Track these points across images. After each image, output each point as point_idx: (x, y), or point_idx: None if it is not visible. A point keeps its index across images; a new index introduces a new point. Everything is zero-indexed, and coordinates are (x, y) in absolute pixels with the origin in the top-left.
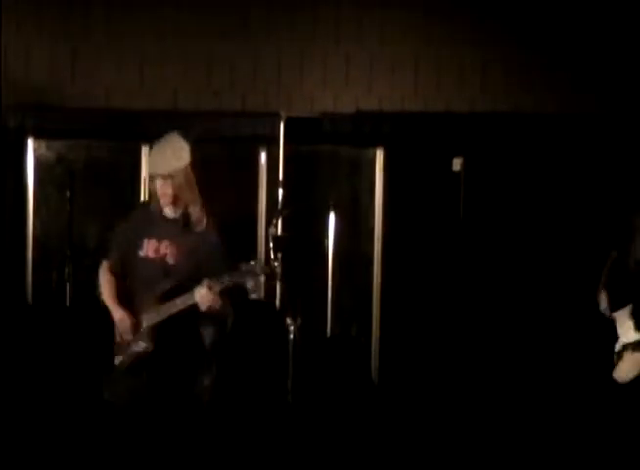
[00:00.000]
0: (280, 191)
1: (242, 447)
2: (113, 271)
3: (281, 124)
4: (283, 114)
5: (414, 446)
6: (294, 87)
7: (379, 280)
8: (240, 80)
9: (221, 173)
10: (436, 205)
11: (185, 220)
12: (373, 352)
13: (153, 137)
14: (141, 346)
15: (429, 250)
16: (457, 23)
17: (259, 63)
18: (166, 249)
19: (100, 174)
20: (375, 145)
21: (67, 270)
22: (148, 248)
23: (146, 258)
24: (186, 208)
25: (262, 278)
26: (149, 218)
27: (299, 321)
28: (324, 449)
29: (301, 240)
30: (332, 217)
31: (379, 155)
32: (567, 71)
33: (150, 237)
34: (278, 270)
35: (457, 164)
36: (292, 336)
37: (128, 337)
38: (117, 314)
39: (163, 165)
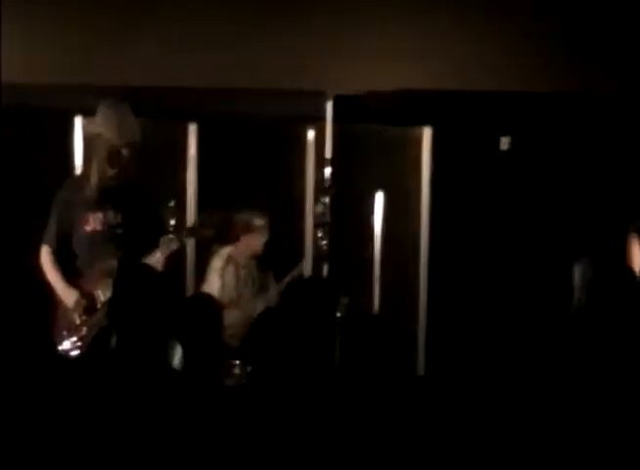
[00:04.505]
0: (327, 170)
1: (281, 431)
2: (54, 254)
3: (328, 103)
4: (330, 92)
5: (458, 439)
6: (340, 66)
7: (426, 261)
8: (286, 59)
9: (267, 153)
10: (484, 184)
11: (126, 186)
12: (419, 337)
13: (199, 116)
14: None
15: (476, 229)
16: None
17: (306, 41)
18: (113, 219)
19: (146, 153)
20: (422, 124)
21: None
22: (94, 221)
23: (94, 232)
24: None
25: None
26: (85, 191)
27: (347, 300)
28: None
29: (348, 219)
30: (378, 197)
31: (426, 134)
32: (617, 52)
33: (95, 210)
34: (325, 249)
35: (504, 143)
36: (339, 314)
37: (86, 316)
38: (72, 296)
39: (135, 133)
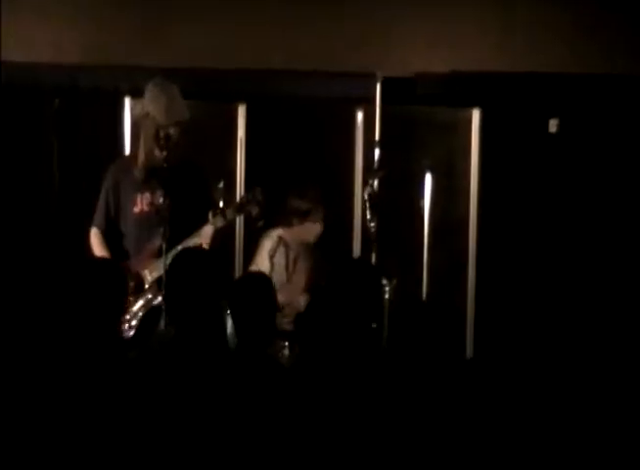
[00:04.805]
0: (376, 152)
1: (329, 412)
2: (101, 236)
3: (377, 85)
4: (379, 74)
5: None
6: (388, 47)
7: (475, 243)
8: (335, 41)
9: (316, 134)
10: (532, 166)
11: (175, 167)
12: (468, 320)
13: (248, 98)
14: (155, 300)
15: (524, 212)
16: None
17: (354, 23)
18: (161, 200)
19: (195, 135)
20: (470, 106)
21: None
22: (142, 202)
23: (142, 213)
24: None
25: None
26: (133, 172)
27: (394, 282)
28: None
29: (397, 201)
30: (427, 179)
31: (475, 116)
32: None
33: (143, 191)
34: (374, 230)
35: (553, 125)
36: (387, 296)
37: (134, 296)
38: None
39: (183, 112)
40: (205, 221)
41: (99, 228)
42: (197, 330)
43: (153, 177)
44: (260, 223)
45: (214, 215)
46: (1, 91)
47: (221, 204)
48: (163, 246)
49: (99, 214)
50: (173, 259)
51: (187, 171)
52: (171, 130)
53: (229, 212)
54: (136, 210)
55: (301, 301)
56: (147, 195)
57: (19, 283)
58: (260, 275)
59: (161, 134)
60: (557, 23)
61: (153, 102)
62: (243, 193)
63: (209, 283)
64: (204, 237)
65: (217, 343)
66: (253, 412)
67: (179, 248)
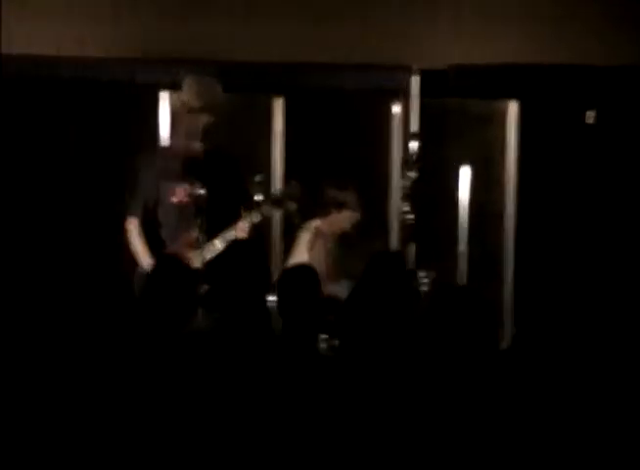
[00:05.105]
0: (412, 144)
1: (369, 403)
2: (139, 226)
3: (413, 77)
4: (415, 67)
5: (543, 413)
6: (424, 39)
7: (512, 235)
8: (371, 33)
9: (352, 127)
10: (569, 158)
11: (213, 159)
12: (505, 311)
13: (285, 90)
14: None
15: (561, 203)
16: None
17: (390, 16)
18: (199, 191)
19: (232, 128)
20: (507, 98)
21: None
22: (180, 193)
23: (179, 204)
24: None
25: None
26: (171, 163)
27: (432, 274)
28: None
29: (433, 194)
30: (464, 171)
31: (511, 108)
32: None
33: (181, 182)
34: (410, 223)
35: (590, 116)
36: (424, 288)
37: None
38: None
39: (214, 96)
40: (240, 213)
41: (136, 217)
42: (242, 322)
43: (191, 168)
44: (297, 220)
45: (251, 210)
46: (46, 85)
47: (259, 197)
48: (200, 237)
49: (136, 204)
50: (221, 252)
51: (224, 163)
52: (205, 118)
53: (265, 208)
54: (174, 200)
55: (338, 291)
56: (185, 186)
57: (46, 277)
58: (307, 267)
59: (197, 123)
60: (595, 15)
61: (187, 89)
62: (280, 187)
63: (255, 274)
64: (239, 231)
65: (263, 335)
66: (297, 404)
67: (216, 242)
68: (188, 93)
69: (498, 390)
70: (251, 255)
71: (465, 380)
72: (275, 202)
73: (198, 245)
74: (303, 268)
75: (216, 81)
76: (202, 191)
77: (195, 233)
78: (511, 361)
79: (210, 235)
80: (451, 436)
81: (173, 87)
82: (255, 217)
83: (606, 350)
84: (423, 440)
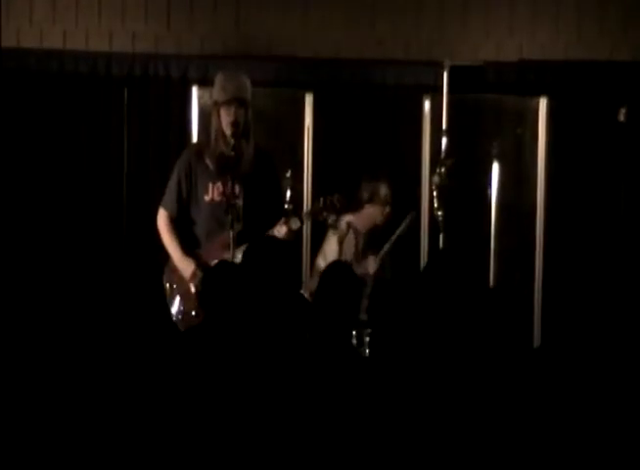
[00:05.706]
0: (444, 140)
1: (401, 399)
2: (172, 220)
3: (445, 73)
4: (447, 62)
5: (573, 410)
6: (456, 36)
7: (542, 231)
8: (403, 29)
9: (384, 122)
10: (601, 155)
11: (242, 156)
12: (536, 309)
13: (315, 86)
14: None
15: (592, 200)
16: None
17: (422, 11)
18: (232, 189)
19: (264, 124)
20: (538, 94)
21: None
22: (214, 191)
23: (213, 202)
24: (239, 142)
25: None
26: (207, 160)
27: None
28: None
29: (465, 190)
30: (495, 167)
31: (542, 104)
32: None
33: (215, 180)
34: (441, 219)
35: (622, 113)
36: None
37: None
38: (189, 266)
39: (241, 89)
40: (275, 212)
41: (169, 212)
42: (273, 319)
43: (226, 167)
44: (334, 230)
45: (291, 217)
46: (74, 80)
47: (288, 193)
48: (231, 235)
49: (170, 199)
50: (249, 248)
51: (259, 161)
52: (233, 112)
53: (306, 216)
54: (207, 198)
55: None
56: (219, 184)
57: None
58: (345, 264)
59: (228, 119)
60: (625, 11)
61: (216, 85)
62: (322, 199)
63: (287, 271)
64: (277, 235)
65: (296, 333)
66: (333, 401)
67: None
68: (216, 88)
69: (530, 388)
70: (282, 253)
71: (497, 379)
72: (317, 212)
73: (233, 244)
74: (341, 266)
75: (245, 77)
76: (236, 190)
77: (230, 233)
78: (542, 359)
79: (245, 234)
80: (485, 432)
81: (205, 83)
82: (295, 224)
83: (637, 346)
84: (460, 435)
